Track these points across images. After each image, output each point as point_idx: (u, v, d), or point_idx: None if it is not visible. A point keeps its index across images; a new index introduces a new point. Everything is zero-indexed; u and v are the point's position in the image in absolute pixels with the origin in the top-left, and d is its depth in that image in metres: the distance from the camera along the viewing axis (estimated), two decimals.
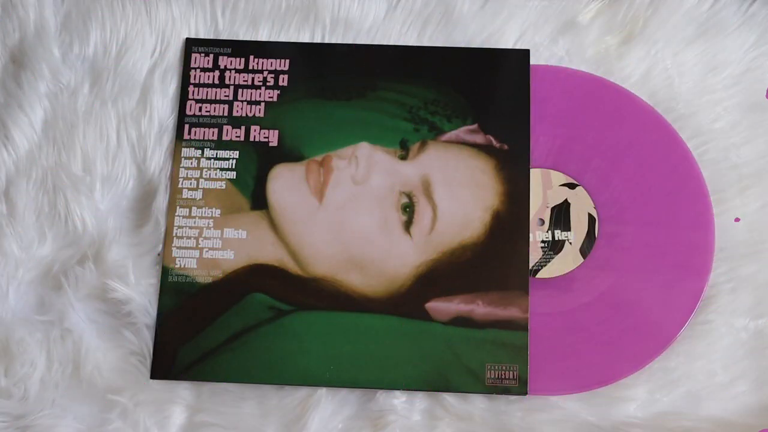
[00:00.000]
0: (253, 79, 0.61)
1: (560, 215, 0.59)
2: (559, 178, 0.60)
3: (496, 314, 0.56)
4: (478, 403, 0.56)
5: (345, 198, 0.58)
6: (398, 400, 0.56)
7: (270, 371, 0.56)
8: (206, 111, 0.61)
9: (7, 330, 0.57)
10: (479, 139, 0.59)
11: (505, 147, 0.59)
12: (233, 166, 0.59)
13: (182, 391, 0.57)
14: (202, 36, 0.63)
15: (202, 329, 0.57)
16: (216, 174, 0.59)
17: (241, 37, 0.63)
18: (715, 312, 0.57)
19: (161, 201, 0.59)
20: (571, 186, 0.59)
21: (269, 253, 0.58)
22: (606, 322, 0.57)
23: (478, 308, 0.56)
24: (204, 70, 0.62)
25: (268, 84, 0.61)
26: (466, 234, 0.57)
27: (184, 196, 0.59)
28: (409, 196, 0.58)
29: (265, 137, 0.60)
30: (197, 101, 0.61)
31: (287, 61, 0.62)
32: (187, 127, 0.61)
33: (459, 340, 0.56)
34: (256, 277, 0.57)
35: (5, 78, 0.62)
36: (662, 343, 0.56)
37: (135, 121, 0.61)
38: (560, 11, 0.63)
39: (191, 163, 0.60)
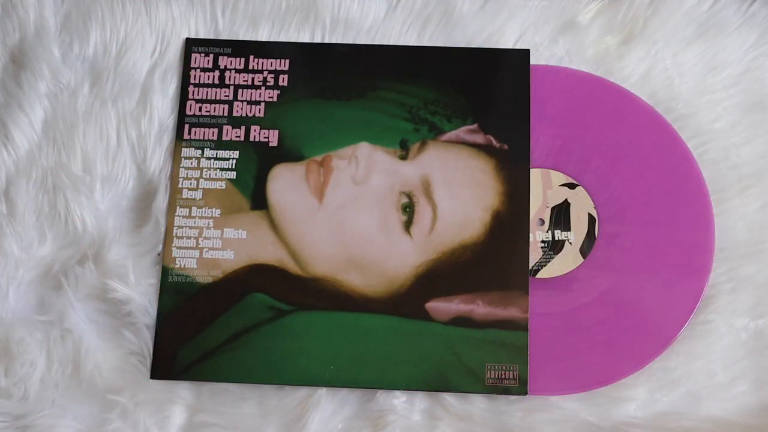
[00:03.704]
0: (253, 79, 0.61)
1: (560, 215, 0.59)
2: (559, 178, 0.60)
3: (496, 314, 0.56)
4: (478, 403, 0.56)
5: (345, 198, 0.58)
6: (398, 400, 0.56)
7: (270, 371, 0.56)
8: (206, 111, 0.61)
9: (7, 330, 0.57)
10: (479, 139, 0.59)
11: (505, 147, 0.59)
12: (233, 166, 0.59)
13: (182, 391, 0.57)
14: (202, 36, 0.63)
15: (202, 329, 0.57)
16: (216, 174, 0.59)
17: (241, 37, 0.63)
18: (715, 312, 0.57)
19: (161, 201, 0.59)
20: (571, 186, 0.59)
21: (269, 253, 0.58)
22: (606, 322, 0.57)
23: (478, 308, 0.56)
24: (204, 70, 0.62)
25: (268, 84, 0.61)
26: (466, 234, 0.57)
27: (184, 196, 0.59)
28: (409, 196, 0.58)
29: (265, 137, 0.60)
30: (197, 101, 0.61)
31: (287, 61, 0.62)
32: (187, 127, 0.61)
33: (459, 340, 0.56)
34: (256, 277, 0.57)
35: (5, 78, 0.62)
36: (662, 343, 0.56)
37: (135, 121, 0.61)
38: (560, 11, 0.63)
39: (191, 163, 0.60)
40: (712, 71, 0.61)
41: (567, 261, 0.58)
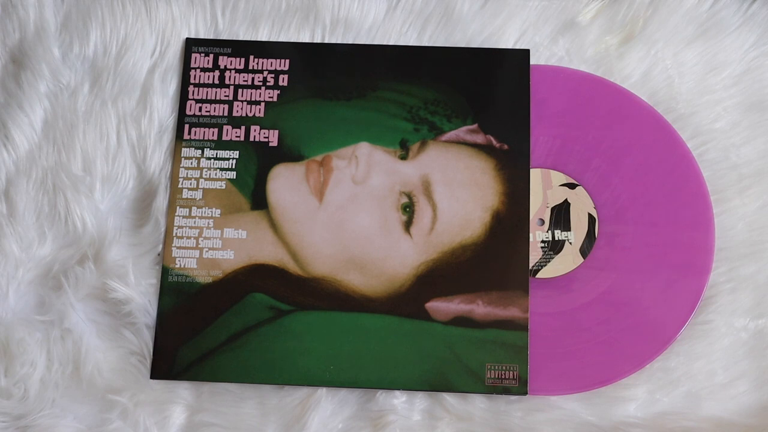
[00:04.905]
0: (253, 79, 0.61)
1: (560, 215, 0.59)
2: (559, 178, 0.60)
3: (496, 314, 0.56)
4: (478, 403, 0.56)
5: (345, 198, 0.58)
6: (398, 400, 0.56)
7: (270, 371, 0.56)
8: (206, 111, 0.61)
9: (7, 330, 0.57)
10: (479, 139, 0.59)
11: (505, 147, 0.59)
12: (233, 166, 0.59)
13: (182, 391, 0.57)
14: (202, 36, 0.63)
15: (202, 329, 0.57)
16: (216, 174, 0.59)
17: (241, 37, 0.63)
18: (715, 312, 0.57)
19: (161, 201, 0.59)
20: (571, 186, 0.59)
21: (269, 253, 0.58)
22: (606, 322, 0.57)
23: (478, 308, 0.56)
24: (204, 70, 0.62)
25: (268, 84, 0.61)
26: (466, 234, 0.57)
27: (184, 196, 0.59)
28: (409, 196, 0.58)
29: (265, 137, 0.60)
30: (197, 101, 0.61)
31: (287, 61, 0.62)
32: (187, 127, 0.61)
33: (459, 340, 0.56)
34: (256, 277, 0.57)
35: (5, 78, 0.62)
36: (662, 343, 0.56)
37: (135, 121, 0.61)
38: (560, 11, 0.63)
39: (191, 163, 0.60)
40: (712, 71, 0.61)
41: (567, 261, 0.58)
